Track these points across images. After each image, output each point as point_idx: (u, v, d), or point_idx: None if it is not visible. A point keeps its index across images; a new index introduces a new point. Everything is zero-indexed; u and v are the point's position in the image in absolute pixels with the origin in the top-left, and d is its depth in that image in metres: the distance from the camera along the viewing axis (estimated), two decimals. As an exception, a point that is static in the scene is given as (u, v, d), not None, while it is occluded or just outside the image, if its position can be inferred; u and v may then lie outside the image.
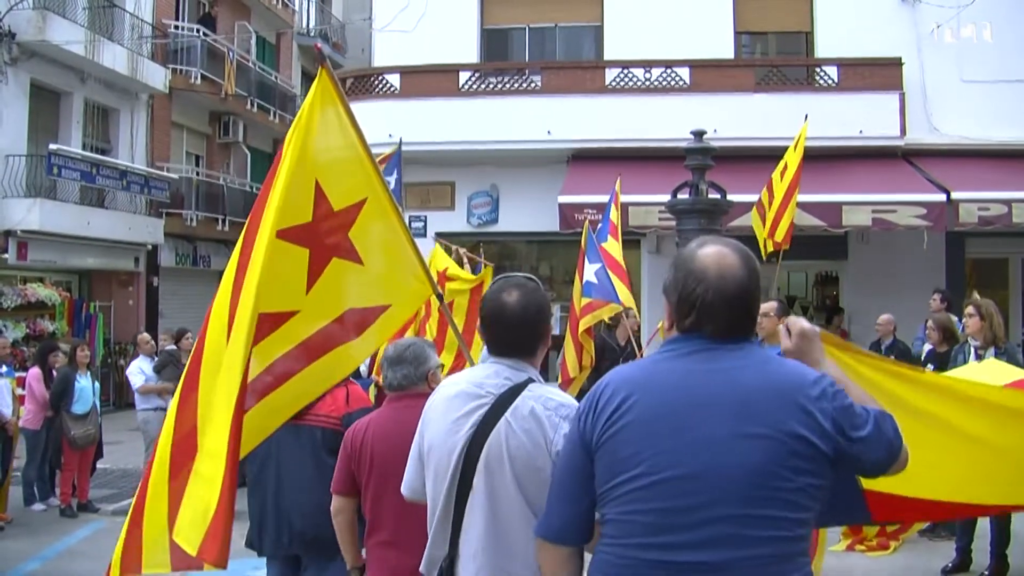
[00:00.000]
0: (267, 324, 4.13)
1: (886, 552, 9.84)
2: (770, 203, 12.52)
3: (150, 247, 25.20)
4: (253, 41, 30.24)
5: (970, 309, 9.29)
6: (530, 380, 3.60)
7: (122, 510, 12.36)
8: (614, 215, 12.28)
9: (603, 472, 2.84)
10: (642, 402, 2.81)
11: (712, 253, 2.90)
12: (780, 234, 12.36)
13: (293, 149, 4.21)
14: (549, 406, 3.48)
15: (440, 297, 5.09)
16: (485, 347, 3.77)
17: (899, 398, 4.98)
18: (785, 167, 12.31)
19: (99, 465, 13.35)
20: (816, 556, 7.85)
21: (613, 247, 11.85)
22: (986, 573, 8.90)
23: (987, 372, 6.86)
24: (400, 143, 14.99)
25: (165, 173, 25.16)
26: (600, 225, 12.39)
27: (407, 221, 17.88)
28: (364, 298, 4.56)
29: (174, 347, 13.48)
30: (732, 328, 2.86)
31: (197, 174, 27.74)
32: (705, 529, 2.63)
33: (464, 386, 3.67)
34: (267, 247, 4.05)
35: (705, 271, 2.87)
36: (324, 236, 4.35)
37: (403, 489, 3.92)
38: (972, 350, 9.16)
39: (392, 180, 14.31)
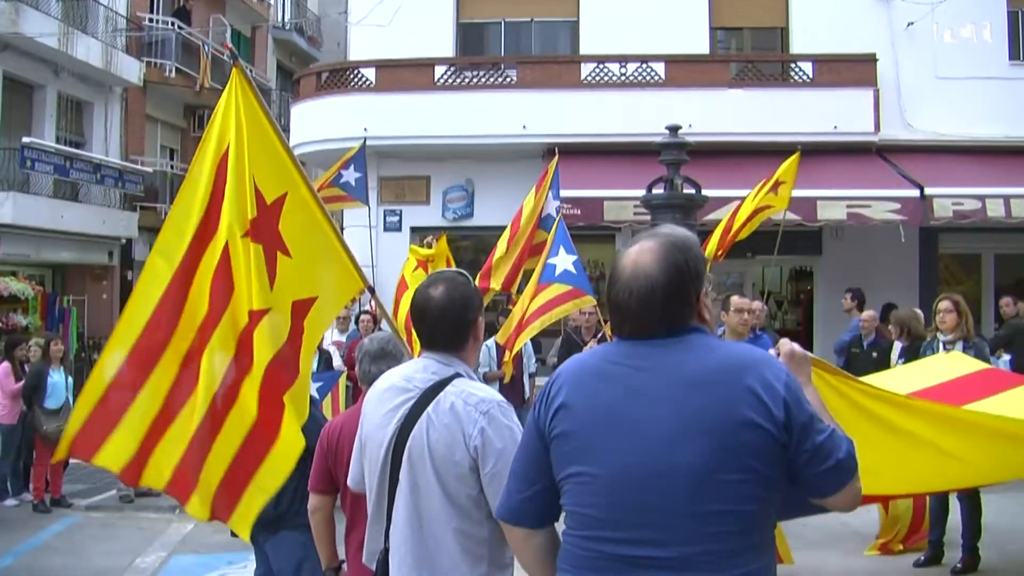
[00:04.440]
0: (253, 320, 4.56)
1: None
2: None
3: (124, 241, 25.07)
4: (228, 34, 30.07)
5: (946, 304, 9.26)
6: (457, 375, 3.65)
7: (95, 505, 12.35)
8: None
9: (556, 462, 2.84)
10: (586, 398, 2.81)
11: (631, 252, 2.87)
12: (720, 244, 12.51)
13: (233, 149, 4.57)
14: (470, 401, 3.54)
15: (372, 290, 5.32)
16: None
17: (882, 417, 5.28)
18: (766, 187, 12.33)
19: (72, 460, 13.26)
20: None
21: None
22: (958, 566, 8.94)
23: (953, 364, 7.15)
24: (364, 141, 15.07)
25: (139, 167, 25.09)
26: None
27: (382, 215, 18.08)
28: (300, 290, 4.79)
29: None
30: (645, 328, 2.81)
31: (172, 168, 27.63)
32: (656, 525, 2.62)
33: (395, 380, 3.77)
34: (241, 249, 4.51)
35: (620, 272, 2.85)
36: (266, 230, 4.66)
37: (348, 481, 4.01)
38: (941, 345, 9.19)
39: (352, 178, 14.43)
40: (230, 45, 5.06)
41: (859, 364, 11.72)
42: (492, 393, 3.64)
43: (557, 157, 12.53)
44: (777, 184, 12.25)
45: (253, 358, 4.56)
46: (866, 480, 2.89)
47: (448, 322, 3.70)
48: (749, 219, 12.33)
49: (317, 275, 4.90)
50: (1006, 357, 12.79)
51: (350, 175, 14.60)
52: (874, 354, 12.22)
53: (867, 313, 13.10)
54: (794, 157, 12.24)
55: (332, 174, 14.58)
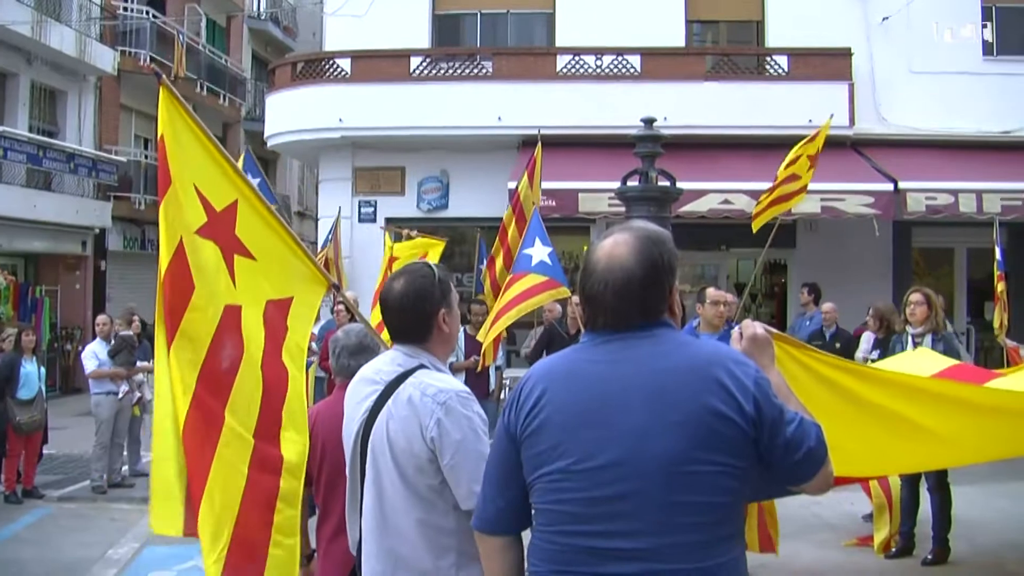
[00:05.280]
0: (231, 317, 4.53)
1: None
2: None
3: (98, 231, 24.93)
4: (203, 24, 29.96)
5: (917, 297, 9.30)
6: (421, 366, 3.64)
7: (68, 496, 12.28)
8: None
9: (528, 464, 2.84)
10: (559, 396, 2.81)
11: (605, 245, 2.89)
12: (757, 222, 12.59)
13: (170, 161, 4.50)
14: (427, 392, 3.50)
15: (337, 287, 5.27)
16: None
17: (849, 390, 5.26)
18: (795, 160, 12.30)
19: (45, 451, 13.19)
20: (773, 536, 7.94)
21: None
22: (929, 557, 9.00)
23: (920, 361, 7.14)
24: (247, 150, 15.06)
25: (113, 156, 24.93)
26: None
27: (356, 206, 18.06)
28: (272, 290, 4.76)
29: (129, 332, 13.33)
30: (621, 320, 2.83)
31: (146, 157, 27.41)
32: (629, 517, 2.63)
33: (368, 372, 3.79)
34: (197, 246, 4.48)
35: (595, 264, 2.86)
36: (221, 234, 4.61)
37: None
38: (910, 338, 9.24)
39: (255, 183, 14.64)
40: (152, 66, 5.01)
41: None
42: (452, 383, 3.61)
43: (540, 144, 12.51)
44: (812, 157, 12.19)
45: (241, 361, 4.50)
46: (835, 457, 2.92)
47: (408, 314, 3.69)
48: (796, 193, 12.38)
49: (288, 276, 4.85)
50: None
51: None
52: (837, 344, 12.34)
53: (827, 305, 13.26)
54: (825, 124, 12.21)
55: None
